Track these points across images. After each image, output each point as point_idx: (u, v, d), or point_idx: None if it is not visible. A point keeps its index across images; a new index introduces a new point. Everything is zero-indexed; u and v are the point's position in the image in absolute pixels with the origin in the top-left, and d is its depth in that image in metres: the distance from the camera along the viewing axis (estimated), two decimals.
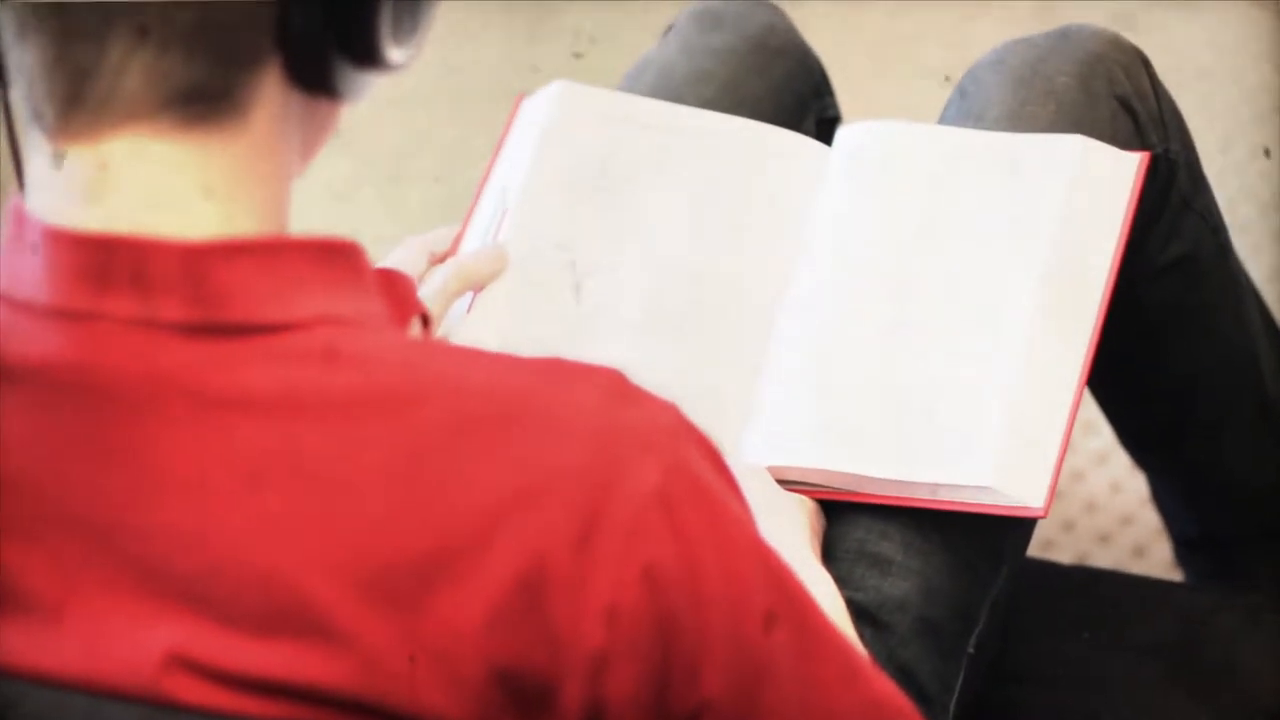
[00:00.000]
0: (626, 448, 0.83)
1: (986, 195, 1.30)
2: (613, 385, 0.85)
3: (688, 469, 0.85)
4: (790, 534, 1.20)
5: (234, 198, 0.84)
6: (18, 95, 0.84)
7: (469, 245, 1.33)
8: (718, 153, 1.35)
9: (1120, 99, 1.36)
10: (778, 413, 1.27)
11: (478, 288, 1.29)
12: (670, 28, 1.55)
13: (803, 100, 1.51)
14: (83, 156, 0.83)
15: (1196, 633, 1.43)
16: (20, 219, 0.84)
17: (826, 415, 1.25)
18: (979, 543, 1.26)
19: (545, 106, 1.36)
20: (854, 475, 1.23)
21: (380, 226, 2.22)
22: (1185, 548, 1.72)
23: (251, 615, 0.82)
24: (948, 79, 1.48)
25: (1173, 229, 1.42)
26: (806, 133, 1.42)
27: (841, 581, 1.22)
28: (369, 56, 0.85)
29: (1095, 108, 1.35)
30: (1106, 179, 1.30)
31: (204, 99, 0.83)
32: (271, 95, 0.84)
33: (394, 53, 0.86)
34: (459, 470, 0.82)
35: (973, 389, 1.24)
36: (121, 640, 0.83)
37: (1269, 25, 2.35)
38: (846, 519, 1.25)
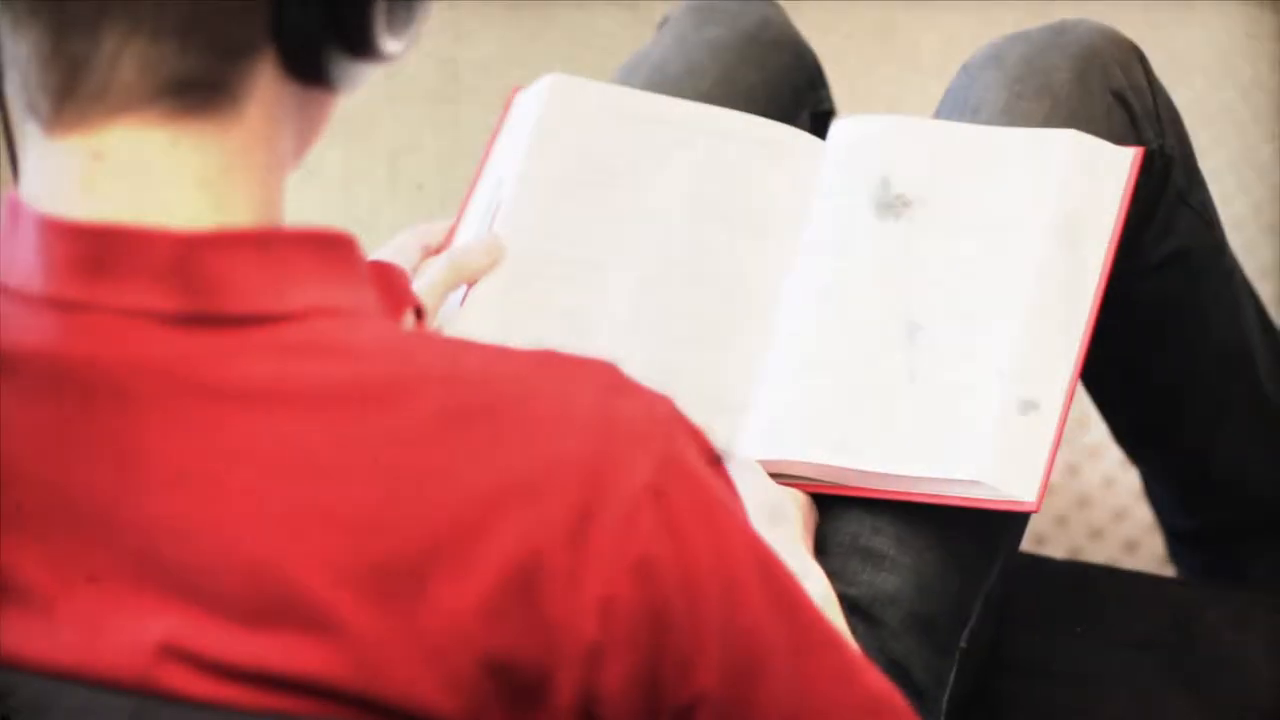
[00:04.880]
0: (620, 440, 0.83)
1: (980, 190, 1.30)
2: (606, 378, 0.85)
3: (681, 462, 0.85)
4: (783, 528, 1.20)
5: (228, 188, 0.84)
6: (12, 86, 0.84)
7: (463, 238, 1.33)
8: (712, 147, 1.35)
9: (1116, 94, 1.36)
10: (771, 407, 1.27)
11: (472, 281, 1.29)
12: (665, 21, 1.55)
13: (797, 94, 1.51)
14: (77, 147, 0.83)
15: (1189, 628, 1.43)
16: (16, 209, 0.84)
17: (820, 409, 1.26)
18: (972, 537, 1.26)
19: (539, 100, 1.36)
20: (847, 469, 1.23)
21: (375, 219, 2.22)
22: (1178, 543, 1.72)
23: (245, 606, 0.82)
24: (943, 73, 1.48)
25: (1168, 225, 1.42)
26: (801, 126, 1.43)
27: (834, 576, 1.22)
28: (364, 47, 0.85)
29: (1091, 103, 1.35)
30: (1100, 173, 1.30)
31: (198, 89, 0.83)
32: (266, 86, 0.84)
33: (389, 44, 0.86)
34: (452, 462, 0.82)
35: (966, 383, 1.24)
36: (115, 630, 0.83)
37: (1267, 23, 2.35)
38: (839, 513, 1.26)
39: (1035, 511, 1.21)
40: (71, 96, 0.82)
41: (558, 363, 0.86)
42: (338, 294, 0.85)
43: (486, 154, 1.38)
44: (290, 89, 0.85)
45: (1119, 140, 1.33)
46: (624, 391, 0.85)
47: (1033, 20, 1.44)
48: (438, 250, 1.32)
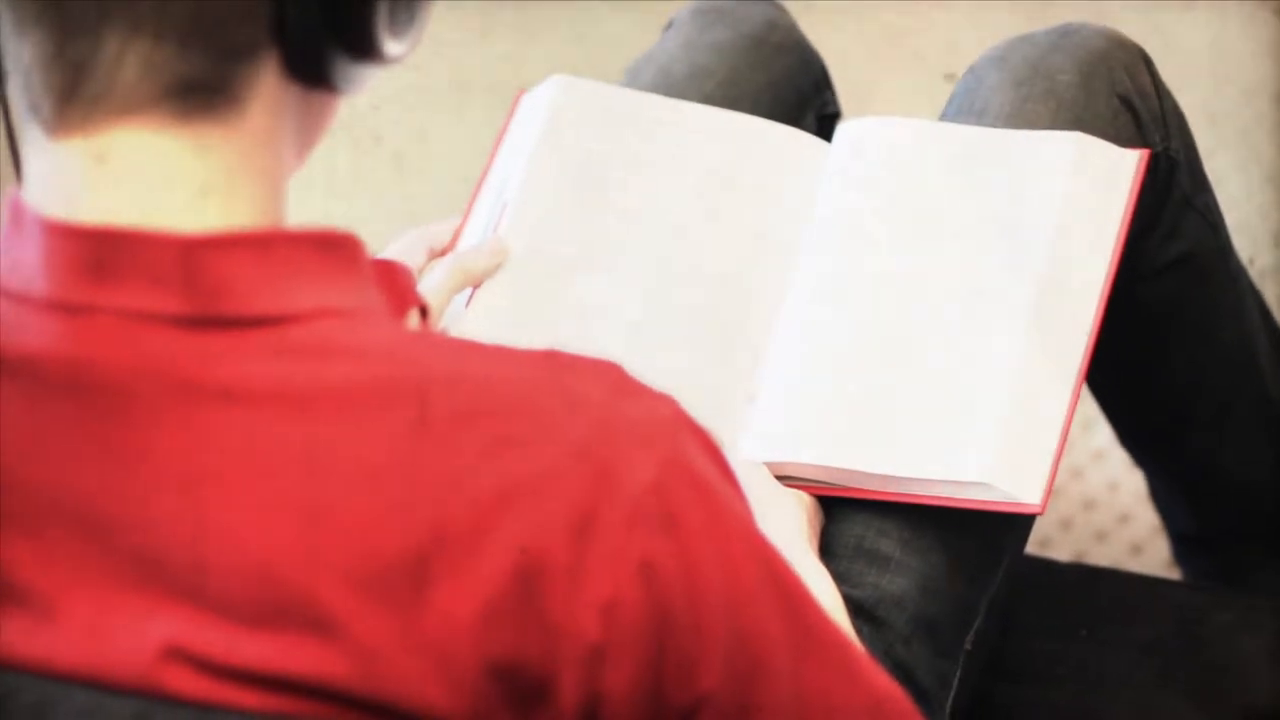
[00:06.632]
0: (625, 441, 0.83)
1: (985, 192, 1.30)
2: (611, 378, 0.85)
3: (686, 463, 0.85)
4: (788, 530, 1.20)
5: (231, 190, 0.84)
6: (15, 89, 0.84)
7: (468, 240, 1.33)
8: (717, 149, 1.35)
9: (1121, 97, 1.36)
10: (776, 409, 1.27)
11: (477, 282, 1.29)
12: (671, 23, 1.55)
13: (803, 96, 1.51)
14: (80, 149, 0.83)
15: (1194, 631, 1.43)
16: (19, 211, 0.84)
17: (824, 411, 1.25)
18: (977, 540, 1.26)
19: (545, 101, 1.36)
20: (852, 471, 1.23)
21: (380, 220, 2.22)
22: (1183, 546, 1.72)
23: (248, 608, 0.82)
24: (949, 76, 1.48)
25: (1173, 227, 1.42)
26: (806, 129, 1.42)
27: (840, 578, 1.22)
28: (366, 49, 0.85)
29: (1096, 106, 1.35)
30: (1104, 176, 1.30)
31: (201, 91, 0.83)
32: (268, 88, 0.84)
33: (391, 45, 0.86)
34: (455, 463, 0.82)
35: (970, 385, 1.24)
36: (118, 632, 0.83)
37: (1269, 25, 2.35)
38: (845, 516, 1.26)
39: (1040, 514, 1.21)
40: (74, 99, 0.82)
41: (562, 364, 0.85)
42: (341, 295, 0.85)
43: (492, 155, 1.38)
44: (292, 90, 0.85)
45: (1125, 143, 1.33)
46: (628, 392, 0.85)
47: (1039, 23, 1.44)
48: (443, 252, 1.32)
